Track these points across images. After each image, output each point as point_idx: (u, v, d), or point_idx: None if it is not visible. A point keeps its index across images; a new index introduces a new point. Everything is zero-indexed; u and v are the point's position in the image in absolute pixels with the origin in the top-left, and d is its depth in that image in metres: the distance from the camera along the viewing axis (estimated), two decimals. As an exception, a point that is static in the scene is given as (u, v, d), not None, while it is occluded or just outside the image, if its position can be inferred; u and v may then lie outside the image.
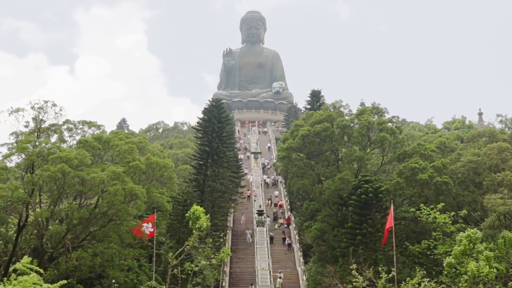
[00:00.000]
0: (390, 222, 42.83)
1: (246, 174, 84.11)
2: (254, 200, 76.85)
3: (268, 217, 71.59)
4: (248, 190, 79.13)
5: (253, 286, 54.39)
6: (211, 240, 49.09)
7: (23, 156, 43.86)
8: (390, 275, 39.68)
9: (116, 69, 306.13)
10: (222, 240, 58.51)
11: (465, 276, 34.90)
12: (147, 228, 44.67)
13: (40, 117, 45.79)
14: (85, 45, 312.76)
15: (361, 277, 39.72)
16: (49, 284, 26.56)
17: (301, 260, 58.68)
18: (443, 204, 48.76)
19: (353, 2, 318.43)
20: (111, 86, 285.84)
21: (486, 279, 34.61)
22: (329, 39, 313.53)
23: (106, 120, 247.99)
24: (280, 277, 55.46)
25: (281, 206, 76.27)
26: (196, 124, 70.75)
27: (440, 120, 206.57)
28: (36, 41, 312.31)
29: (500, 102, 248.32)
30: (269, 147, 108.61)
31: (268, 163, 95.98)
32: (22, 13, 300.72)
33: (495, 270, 34.48)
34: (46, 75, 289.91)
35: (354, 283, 39.85)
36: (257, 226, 67.07)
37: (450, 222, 47.04)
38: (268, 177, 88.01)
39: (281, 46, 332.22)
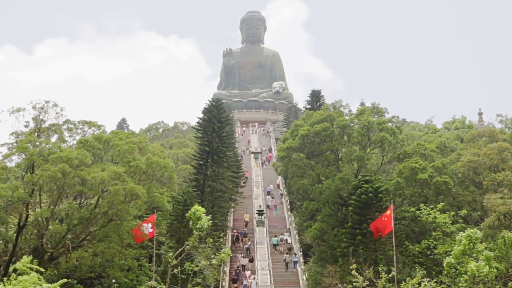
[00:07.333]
0: (390, 226, 42.74)
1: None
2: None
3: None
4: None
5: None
6: (211, 240, 49.03)
7: (23, 156, 43.81)
8: (390, 275, 39.65)
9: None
10: (222, 240, 58.50)
11: (465, 276, 34.85)
12: (147, 228, 44.68)
13: (41, 117, 45.78)
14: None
15: (361, 277, 39.65)
16: (49, 284, 26.55)
17: (301, 260, 58.66)
18: (443, 204, 48.75)
19: (353, 2, 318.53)
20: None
21: (486, 279, 34.56)
22: (329, 39, 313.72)
23: (106, 120, 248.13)
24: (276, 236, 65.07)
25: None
26: (196, 124, 70.68)
27: (440, 120, 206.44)
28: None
29: (500, 102, 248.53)
30: (270, 149, 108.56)
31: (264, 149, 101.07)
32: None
33: (495, 270, 34.41)
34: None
35: (354, 283, 39.78)
36: (257, 226, 67.09)
37: (450, 222, 47.03)
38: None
39: (281, 46, 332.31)
